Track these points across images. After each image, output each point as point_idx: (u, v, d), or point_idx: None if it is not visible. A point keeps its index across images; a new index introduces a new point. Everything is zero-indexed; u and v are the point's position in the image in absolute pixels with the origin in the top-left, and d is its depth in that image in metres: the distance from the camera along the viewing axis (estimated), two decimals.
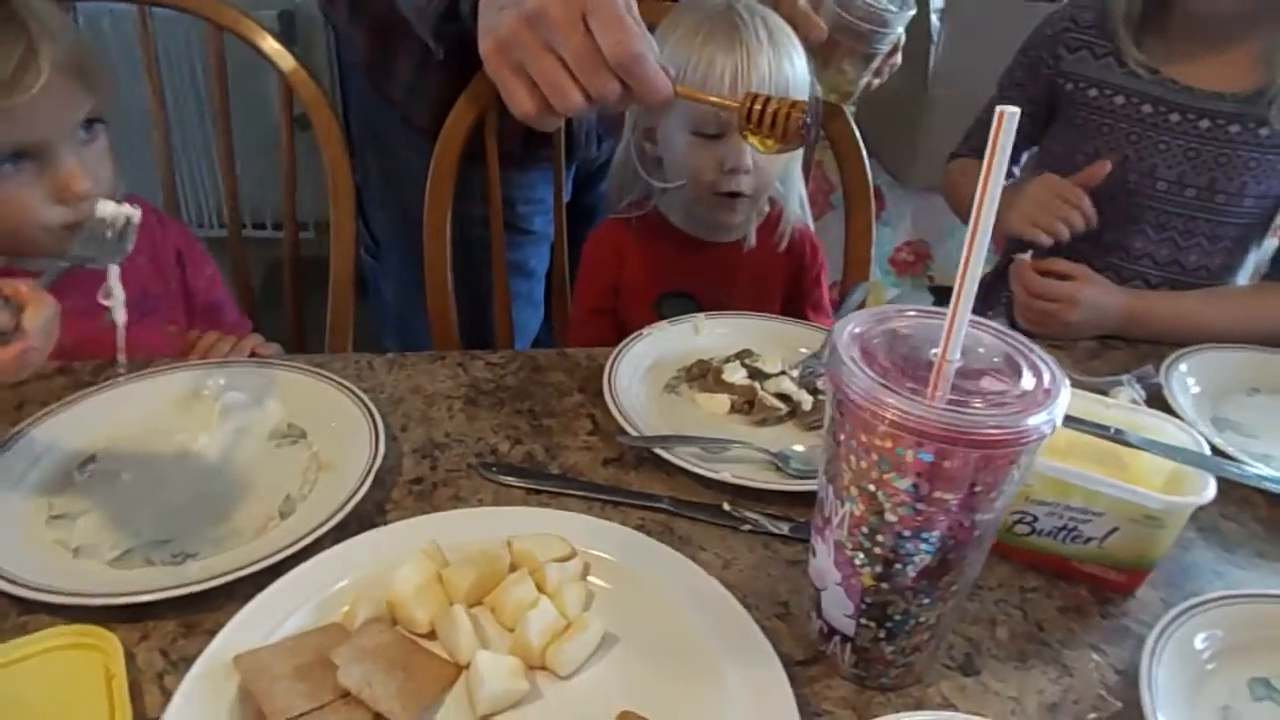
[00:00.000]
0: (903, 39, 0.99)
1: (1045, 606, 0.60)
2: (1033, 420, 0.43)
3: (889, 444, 0.44)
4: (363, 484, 0.62)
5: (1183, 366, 0.87)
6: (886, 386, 0.43)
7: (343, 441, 0.68)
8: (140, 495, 0.64)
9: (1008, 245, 1.28)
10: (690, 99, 0.69)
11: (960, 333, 0.45)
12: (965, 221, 1.28)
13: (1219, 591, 0.58)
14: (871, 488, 0.46)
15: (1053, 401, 0.44)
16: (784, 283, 1.00)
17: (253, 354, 0.82)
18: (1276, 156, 0.97)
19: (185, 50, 2.84)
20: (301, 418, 0.71)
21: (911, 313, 0.49)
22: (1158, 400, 0.81)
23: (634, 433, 0.70)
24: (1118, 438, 0.61)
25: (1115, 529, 0.60)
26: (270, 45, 1.09)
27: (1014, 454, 0.44)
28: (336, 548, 0.57)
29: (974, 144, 1.15)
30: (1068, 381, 0.45)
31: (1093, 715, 0.53)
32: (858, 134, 1.12)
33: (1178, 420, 0.66)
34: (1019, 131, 1.11)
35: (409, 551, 0.56)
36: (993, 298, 1.27)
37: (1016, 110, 0.39)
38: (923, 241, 1.95)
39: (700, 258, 0.97)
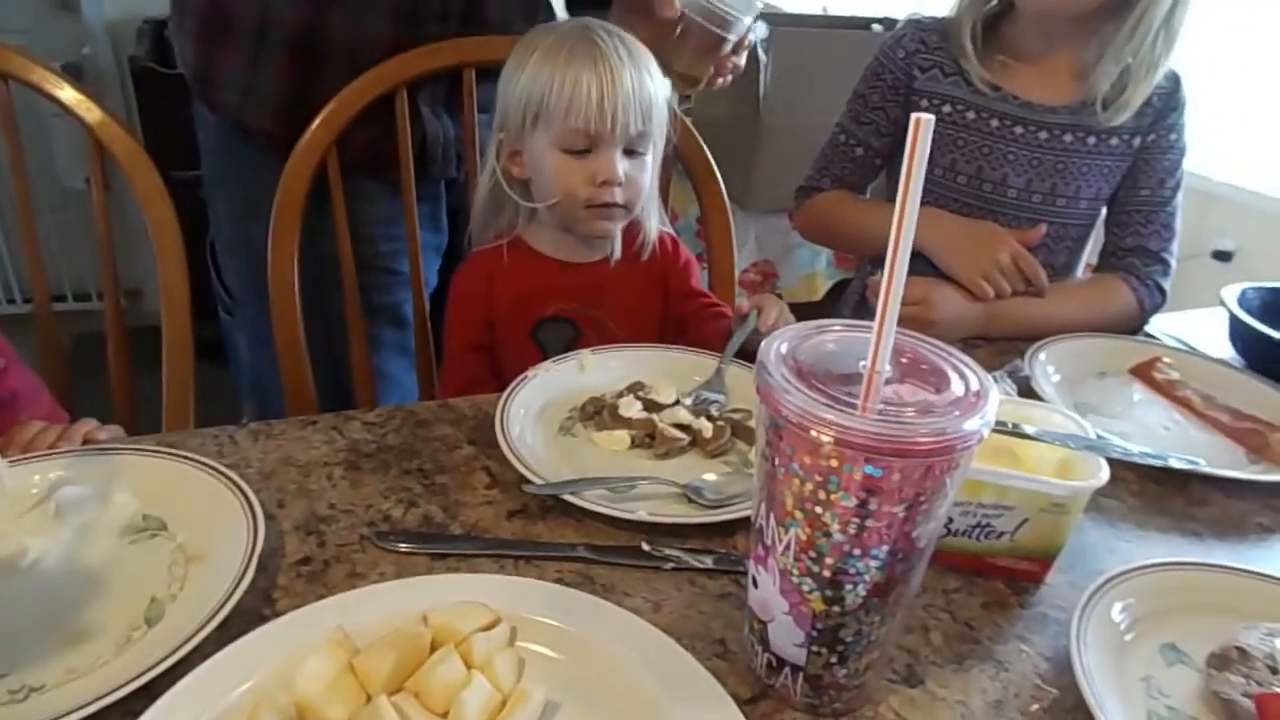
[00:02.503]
0: (751, 37, 1.02)
1: (970, 605, 0.61)
2: (969, 424, 0.43)
3: (834, 462, 0.43)
4: (244, 572, 0.54)
5: (1042, 356, 0.92)
6: (826, 404, 0.42)
7: (211, 527, 0.60)
8: None
9: (864, 262, 1.34)
10: None
11: (888, 343, 0.44)
12: (850, 251, 1.33)
13: (1122, 566, 0.61)
14: (817, 509, 0.44)
15: (985, 404, 0.44)
16: (657, 287, 0.99)
17: (86, 441, 0.72)
18: (1102, 162, 1.06)
19: None
20: (158, 506, 0.62)
21: (837, 327, 0.48)
22: (1027, 391, 0.86)
23: (537, 480, 0.66)
24: (1016, 432, 0.63)
25: (1025, 520, 0.61)
26: (70, 95, 0.98)
27: (955, 459, 0.43)
28: (224, 651, 0.49)
29: (835, 174, 1.17)
30: (994, 383, 0.45)
31: (1035, 706, 0.53)
32: (709, 156, 1.14)
33: (1059, 409, 0.69)
34: (880, 150, 1.16)
35: (311, 643, 0.49)
36: (834, 314, 1.31)
37: (931, 118, 0.39)
38: (768, 261, 2.01)
39: (571, 279, 0.95)
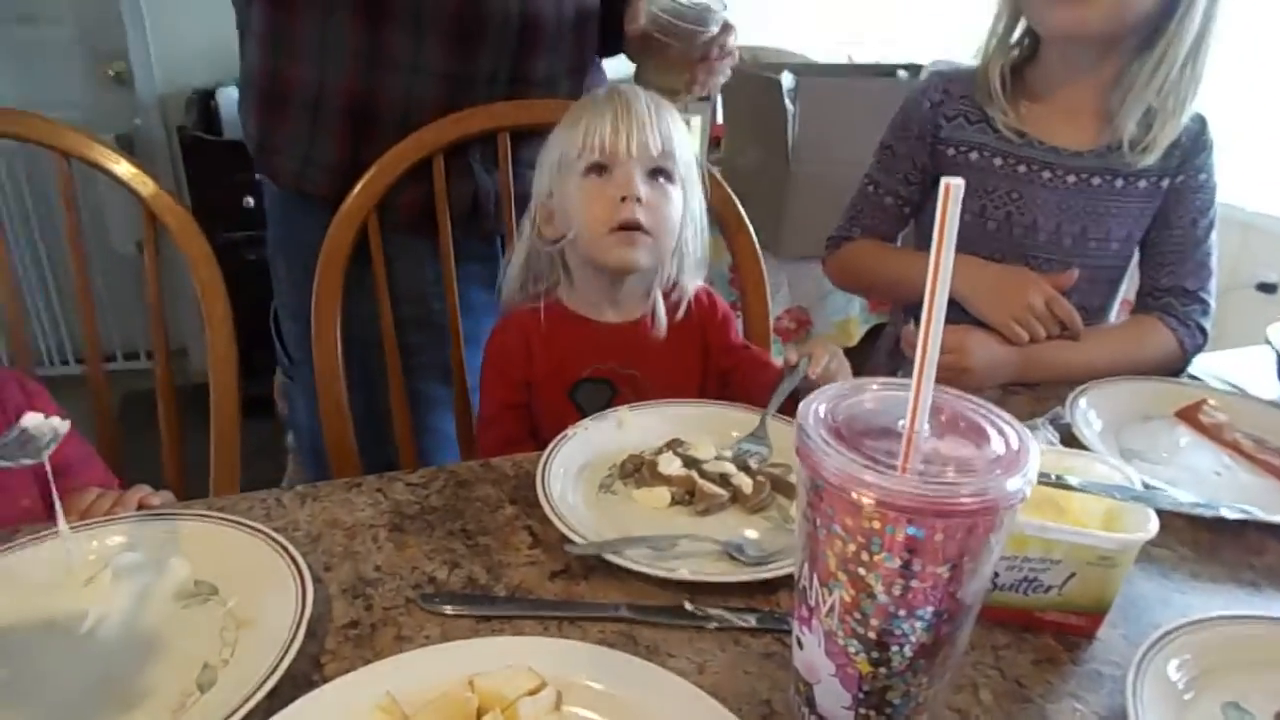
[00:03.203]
0: (730, 41, 1.05)
1: (1019, 662, 0.60)
2: (1011, 484, 0.42)
3: (876, 524, 0.43)
4: (294, 638, 0.55)
5: (1083, 402, 0.91)
6: (866, 465, 0.42)
7: (261, 592, 0.61)
8: (25, 691, 0.55)
9: (897, 307, 1.34)
10: None
11: (926, 403, 0.44)
12: (883, 298, 1.32)
13: (1178, 620, 0.59)
14: (861, 571, 0.44)
15: (1026, 462, 0.44)
16: (696, 344, 1.00)
17: (140, 507, 0.74)
18: (1131, 203, 1.06)
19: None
20: (209, 571, 0.64)
21: (874, 386, 0.48)
22: (1070, 439, 0.85)
23: (579, 540, 0.67)
24: (1060, 484, 0.62)
25: (1073, 574, 0.60)
26: (126, 170, 1.03)
27: (998, 519, 0.43)
28: (276, 717, 0.50)
29: (866, 223, 1.18)
30: (1034, 439, 0.45)
31: None
32: (739, 205, 1.16)
33: (1103, 457, 0.68)
34: (909, 199, 1.17)
35: (361, 709, 0.50)
36: (869, 359, 1.31)
37: (961, 182, 0.40)
38: (801, 308, 2.01)
39: (609, 340, 0.96)
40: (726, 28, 1.04)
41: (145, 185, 1.03)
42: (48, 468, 0.57)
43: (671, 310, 0.96)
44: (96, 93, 2.87)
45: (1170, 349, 1.05)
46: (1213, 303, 1.07)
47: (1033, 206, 1.06)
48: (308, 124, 1.06)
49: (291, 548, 0.64)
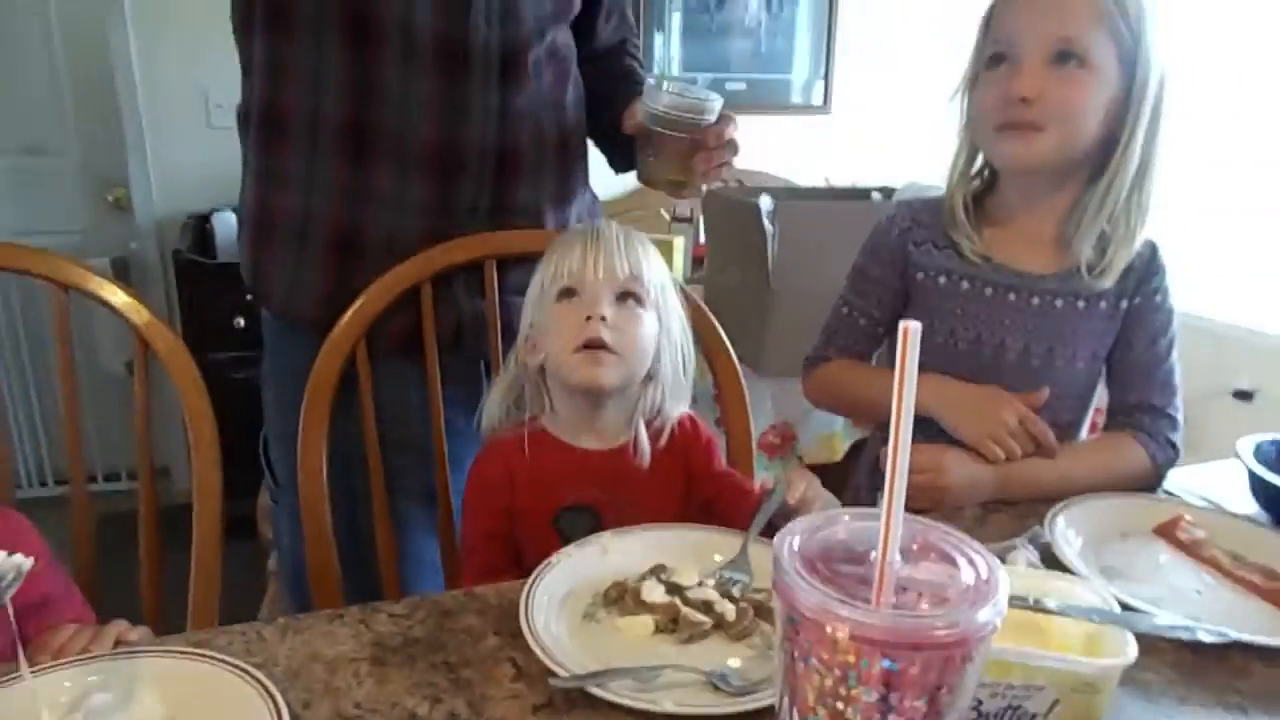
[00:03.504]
0: (729, 133, 1.08)
1: None
2: (983, 615, 0.43)
3: (851, 657, 0.43)
4: None
5: (1061, 521, 0.92)
6: (840, 600, 0.43)
7: None
8: None
9: (874, 429, 1.36)
10: None
11: (897, 535, 0.46)
12: (861, 418, 1.34)
13: None
14: (839, 705, 0.45)
15: (996, 593, 0.45)
16: (679, 471, 1.00)
17: (117, 643, 0.73)
18: (1094, 323, 1.09)
19: None
20: (187, 710, 0.63)
21: (846, 517, 0.50)
22: (1050, 558, 0.85)
23: (563, 673, 0.66)
24: (1038, 607, 0.63)
25: (1056, 701, 0.60)
26: (122, 300, 1.05)
27: (972, 650, 0.44)
28: None
29: (841, 344, 1.21)
30: (1003, 568, 0.46)
31: None
32: (719, 327, 1.19)
33: (1082, 579, 0.69)
34: (881, 320, 1.21)
35: None
36: (855, 473, 1.32)
37: (918, 325, 0.42)
38: (786, 424, 2.03)
39: (592, 468, 0.97)
40: (725, 117, 1.07)
41: (139, 314, 1.05)
42: (9, 609, 0.57)
43: (654, 437, 0.97)
44: (96, 218, 2.95)
45: (1143, 465, 1.07)
46: (1180, 419, 1.10)
47: (1000, 328, 1.10)
48: (295, 252, 1.10)
49: (270, 685, 0.63)
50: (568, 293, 0.94)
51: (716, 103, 1.07)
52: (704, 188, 1.15)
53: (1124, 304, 1.09)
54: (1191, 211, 3.01)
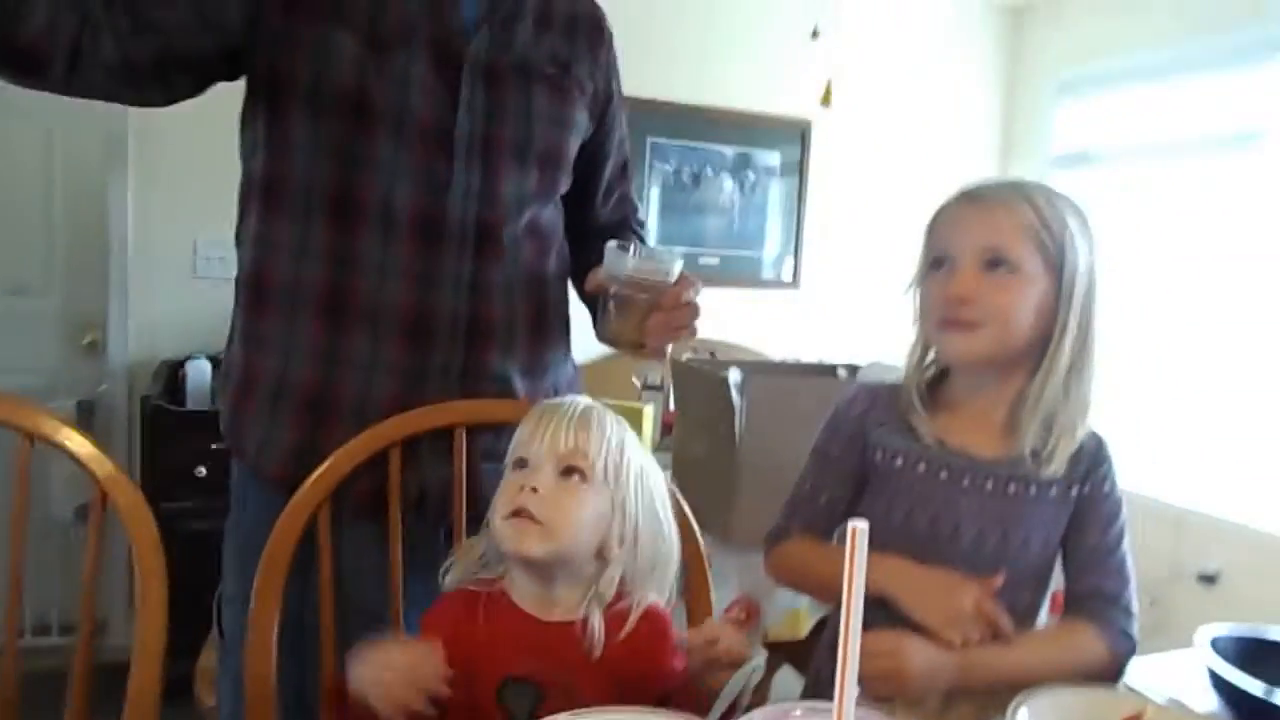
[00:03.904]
0: (688, 296, 1.11)
1: None
2: None
3: None
4: None
5: (1023, 713, 0.90)
6: None
7: None
8: None
9: (830, 612, 1.35)
10: None
11: None
12: (819, 598, 1.32)
13: None
14: None
15: None
16: (638, 661, 0.97)
17: None
18: (1045, 509, 1.12)
19: None
20: None
21: (798, 712, 0.50)
22: None
23: None
24: None
25: None
26: (87, 451, 1.05)
27: None
28: None
29: (801, 521, 1.22)
30: None
31: None
32: (685, 505, 1.19)
33: None
34: (843, 498, 1.22)
35: None
36: (816, 653, 1.30)
37: (865, 525, 0.44)
38: (751, 598, 2.00)
39: (544, 638, 0.95)
40: (685, 279, 1.10)
41: (102, 466, 1.04)
42: None
43: (615, 621, 0.95)
44: (67, 359, 2.95)
45: (1100, 655, 1.07)
46: (1135, 608, 1.10)
47: (955, 512, 1.12)
48: (270, 410, 1.12)
49: None
50: (519, 462, 0.97)
51: (676, 264, 1.11)
52: (669, 350, 1.18)
53: (1074, 491, 1.12)
54: (1154, 398, 3.14)
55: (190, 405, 2.60)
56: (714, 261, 3.53)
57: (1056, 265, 1.08)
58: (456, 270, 1.11)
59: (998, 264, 1.07)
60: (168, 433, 2.58)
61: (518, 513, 0.92)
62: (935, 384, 1.19)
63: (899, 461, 1.15)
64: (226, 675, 1.16)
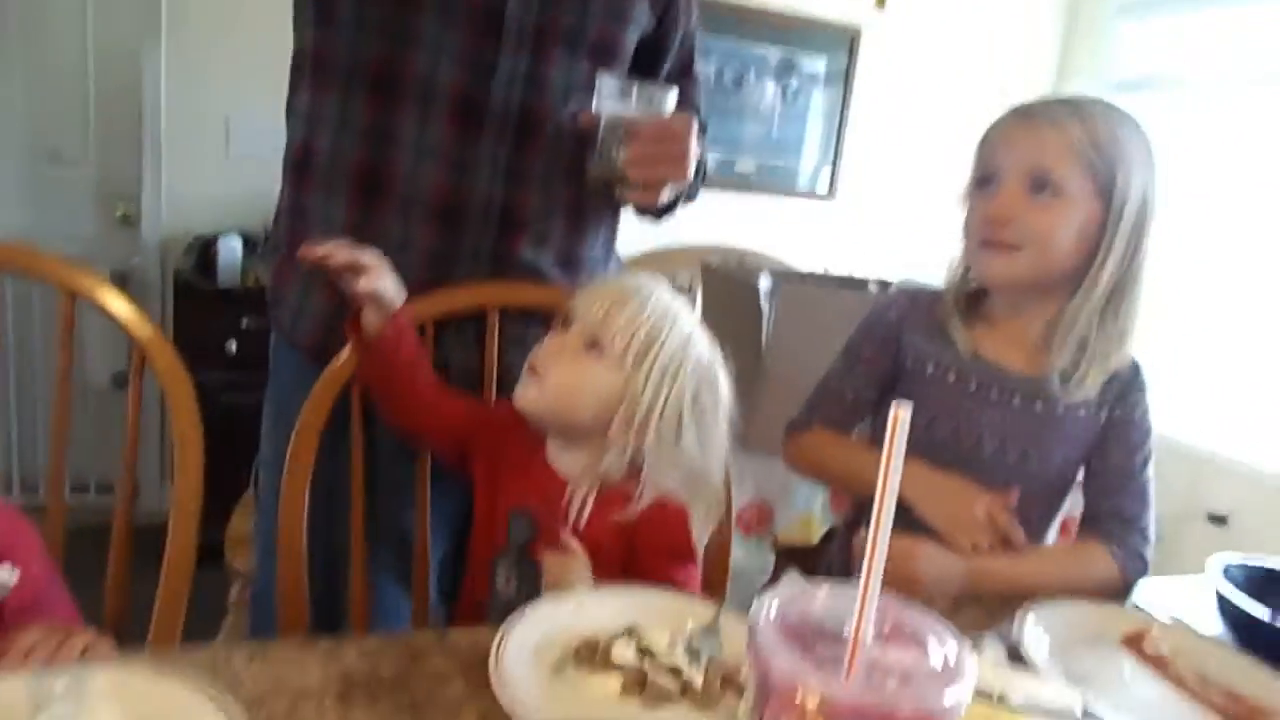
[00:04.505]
0: (677, 128, 1.04)
1: None
2: (948, 698, 0.44)
3: None
4: None
5: (1032, 621, 0.93)
6: (812, 669, 0.44)
7: None
8: None
9: (849, 512, 1.38)
10: None
11: (871, 614, 0.47)
12: (839, 486, 1.35)
13: None
14: None
15: (963, 678, 0.46)
16: (623, 542, 0.99)
17: (85, 653, 0.72)
18: (1071, 430, 1.12)
19: None
20: None
21: (823, 593, 0.51)
22: (1016, 657, 0.86)
23: None
24: (1001, 702, 0.63)
25: None
26: (127, 312, 1.06)
27: None
28: None
29: (825, 415, 1.23)
30: (973, 653, 0.48)
31: None
32: None
33: (1048, 679, 0.70)
34: (868, 400, 1.23)
35: None
36: (829, 555, 1.33)
37: (908, 413, 0.44)
38: (765, 502, 2.04)
39: (548, 488, 0.99)
40: (679, 117, 1.05)
41: (142, 329, 1.06)
42: None
43: (618, 498, 0.98)
44: (102, 230, 2.97)
45: (1112, 574, 1.08)
46: (1152, 534, 1.12)
47: (979, 424, 1.13)
48: (306, 280, 1.14)
49: (235, 711, 0.62)
50: (563, 321, 1.01)
51: (669, 97, 1.06)
52: (664, 196, 1.10)
53: (1103, 414, 1.12)
54: (1176, 336, 3.10)
55: (221, 282, 2.63)
56: (749, 168, 3.46)
57: (1106, 189, 1.05)
58: (494, 155, 1.09)
59: (1042, 186, 1.05)
60: (199, 308, 2.62)
61: (530, 366, 0.98)
62: (975, 297, 1.18)
63: (929, 368, 1.15)
64: (261, 537, 1.20)
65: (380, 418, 1.08)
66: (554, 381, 0.96)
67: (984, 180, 1.10)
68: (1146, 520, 1.12)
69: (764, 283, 2.02)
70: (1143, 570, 1.10)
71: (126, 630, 1.01)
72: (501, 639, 0.76)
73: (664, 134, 1.04)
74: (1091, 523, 1.13)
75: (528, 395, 0.98)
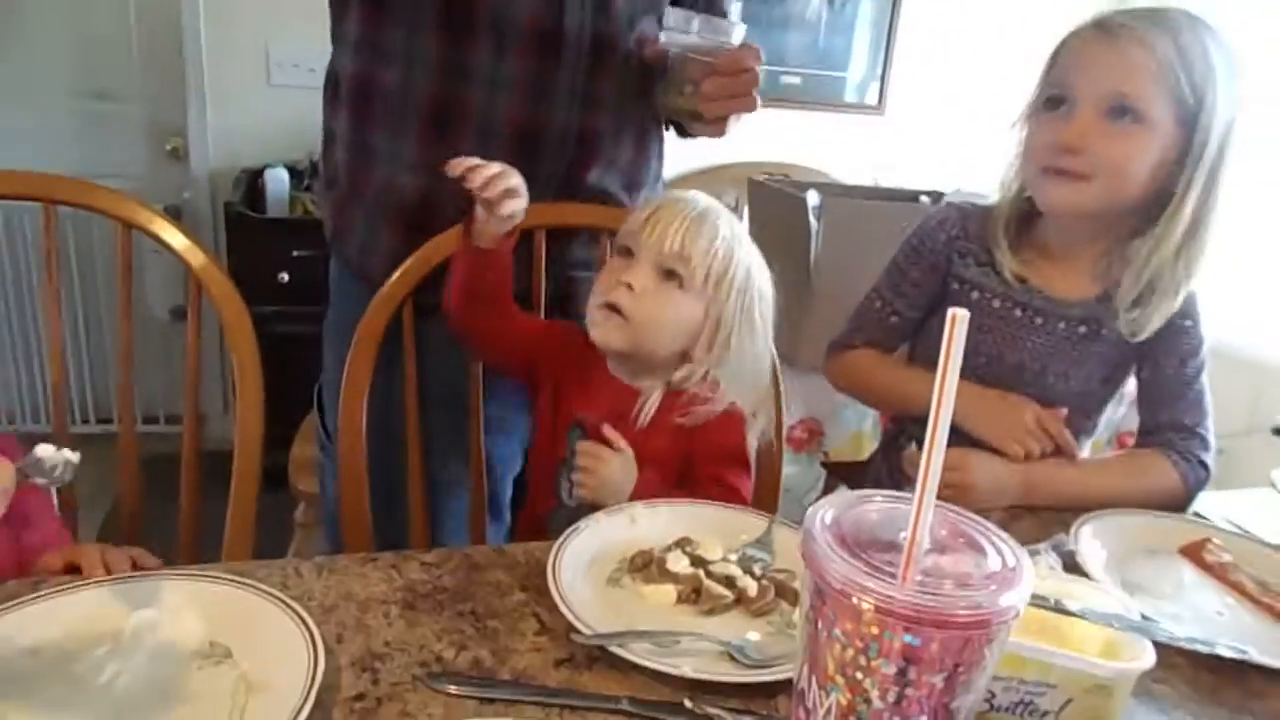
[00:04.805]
0: (748, 62, 1.02)
1: None
2: (1005, 600, 0.44)
3: (875, 630, 0.45)
4: (303, 706, 0.57)
5: (1088, 531, 0.92)
6: (868, 573, 0.45)
7: (274, 658, 0.63)
8: None
9: (890, 428, 1.37)
10: None
11: (928, 516, 0.47)
12: (879, 405, 1.34)
13: None
14: (858, 675, 0.46)
15: (1021, 581, 0.46)
16: (682, 447, 1.00)
17: (135, 566, 0.76)
18: (1113, 351, 1.10)
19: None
20: (225, 634, 0.66)
21: (879, 498, 0.51)
22: (1072, 567, 0.86)
23: (585, 631, 0.68)
24: (1059, 608, 0.63)
25: (1069, 700, 0.61)
26: (181, 241, 1.08)
27: (992, 633, 0.45)
28: None
29: (868, 335, 1.22)
30: (1029, 558, 0.47)
31: None
32: None
33: (1103, 587, 0.69)
34: (911, 319, 1.22)
35: None
36: (874, 471, 1.33)
37: (966, 313, 0.43)
38: (815, 419, 2.04)
39: (615, 400, 1.00)
40: (747, 47, 1.04)
41: (196, 257, 1.08)
42: (53, 496, 0.60)
43: (677, 407, 0.99)
44: (152, 165, 3.01)
45: (1173, 483, 1.06)
46: (1212, 440, 1.09)
47: (1022, 349, 1.11)
48: (372, 217, 1.14)
49: (307, 617, 0.65)
50: (624, 251, 0.98)
51: (738, 30, 1.05)
52: (729, 123, 1.10)
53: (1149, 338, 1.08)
54: (1239, 247, 2.97)
55: (271, 213, 2.66)
56: (795, 81, 3.35)
57: (1191, 117, 0.97)
58: (570, 84, 1.08)
59: (1122, 112, 0.97)
60: (250, 239, 2.65)
61: (610, 305, 0.96)
62: (1026, 219, 1.13)
63: (975, 295, 1.13)
64: (329, 460, 1.23)
65: (454, 334, 1.09)
66: (640, 320, 0.95)
67: (1056, 100, 1.03)
68: (1206, 427, 1.09)
69: (812, 198, 1.98)
70: (1204, 478, 1.08)
71: (201, 556, 1.05)
72: (558, 552, 0.78)
73: (736, 68, 1.03)
74: (1150, 434, 1.11)
75: (610, 335, 0.97)
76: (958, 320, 0.43)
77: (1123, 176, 1.00)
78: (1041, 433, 1.04)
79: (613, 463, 0.94)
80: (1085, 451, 1.17)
